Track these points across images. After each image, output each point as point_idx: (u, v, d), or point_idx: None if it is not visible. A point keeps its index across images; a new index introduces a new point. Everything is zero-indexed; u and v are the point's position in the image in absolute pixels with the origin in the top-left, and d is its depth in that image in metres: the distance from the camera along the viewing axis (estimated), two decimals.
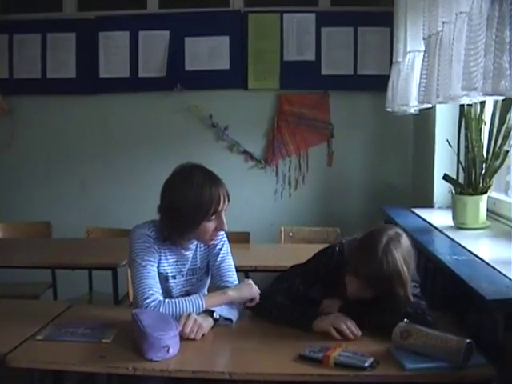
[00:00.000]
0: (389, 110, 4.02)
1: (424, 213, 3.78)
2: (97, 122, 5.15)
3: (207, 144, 5.02)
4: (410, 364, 1.99)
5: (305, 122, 5.02)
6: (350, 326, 2.23)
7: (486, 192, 3.22)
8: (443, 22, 2.70)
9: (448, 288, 2.47)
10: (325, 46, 4.97)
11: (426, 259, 3.01)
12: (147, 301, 2.35)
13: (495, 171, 3.19)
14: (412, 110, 3.64)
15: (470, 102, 2.82)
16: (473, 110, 3.17)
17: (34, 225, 4.59)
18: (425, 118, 4.16)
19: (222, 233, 2.62)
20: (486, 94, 2.13)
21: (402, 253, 2.27)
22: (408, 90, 3.52)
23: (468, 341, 1.96)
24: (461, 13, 2.45)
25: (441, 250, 2.82)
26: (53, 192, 5.13)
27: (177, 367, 2.05)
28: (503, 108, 3.06)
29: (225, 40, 5.01)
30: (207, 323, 2.33)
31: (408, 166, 4.89)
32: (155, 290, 2.41)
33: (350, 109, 5.00)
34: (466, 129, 3.24)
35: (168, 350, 2.06)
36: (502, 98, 2.52)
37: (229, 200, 2.48)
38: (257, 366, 2.07)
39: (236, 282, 2.60)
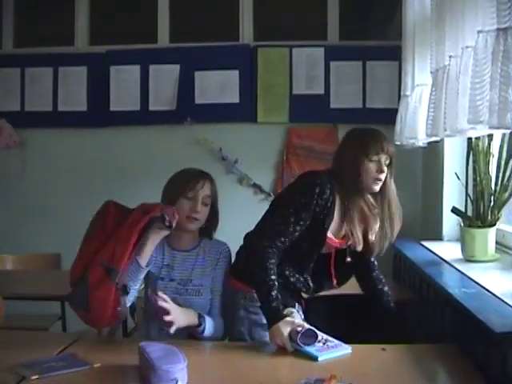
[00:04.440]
0: (397, 143, 4.02)
1: (433, 246, 3.77)
2: (107, 155, 5.18)
3: (217, 177, 4.88)
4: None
5: (314, 156, 5.03)
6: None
7: (494, 224, 3.21)
8: (450, 56, 2.72)
9: (457, 321, 2.46)
10: (333, 79, 5.01)
11: (434, 292, 3.00)
12: None
13: (504, 204, 3.18)
14: (420, 143, 3.64)
15: (477, 135, 2.83)
16: (480, 143, 3.17)
17: (44, 257, 4.60)
18: (433, 151, 4.17)
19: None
20: (492, 128, 2.13)
21: None
22: (416, 123, 3.53)
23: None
24: (467, 47, 2.47)
25: (450, 282, 2.81)
26: (63, 224, 5.12)
27: None
28: (511, 140, 3.07)
29: (234, 74, 5.07)
30: (188, 316, 2.57)
31: (417, 199, 4.86)
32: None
33: None
34: (474, 161, 3.23)
35: (176, 383, 2.06)
36: (508, 131, 2.53)
37: None
38: None
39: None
